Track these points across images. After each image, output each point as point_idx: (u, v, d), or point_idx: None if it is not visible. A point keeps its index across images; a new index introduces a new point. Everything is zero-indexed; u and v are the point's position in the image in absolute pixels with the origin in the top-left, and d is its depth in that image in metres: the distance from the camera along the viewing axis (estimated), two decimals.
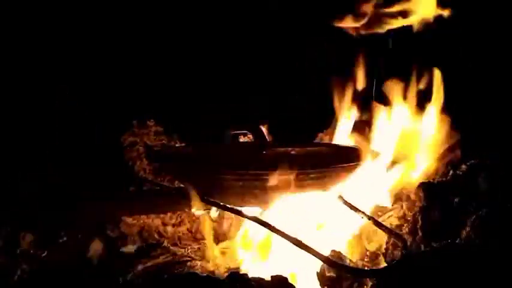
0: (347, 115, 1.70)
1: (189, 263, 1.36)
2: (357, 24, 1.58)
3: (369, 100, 1.69)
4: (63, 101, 1.99)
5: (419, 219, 1.18)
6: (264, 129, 1.76)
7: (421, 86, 1.55)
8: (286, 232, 1.12)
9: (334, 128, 1.73)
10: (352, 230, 1.37)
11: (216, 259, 1.35)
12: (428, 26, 1.55)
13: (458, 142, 1.47)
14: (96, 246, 1.33)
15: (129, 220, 1.49)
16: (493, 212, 1.07)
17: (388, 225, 1.32)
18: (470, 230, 1.07)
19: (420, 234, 1.17)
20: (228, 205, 1.26)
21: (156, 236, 1.51)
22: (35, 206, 1.37)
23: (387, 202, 1.45)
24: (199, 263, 1.36)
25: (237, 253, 1.34)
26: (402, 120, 1.57)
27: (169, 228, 1.54)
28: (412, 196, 1.30)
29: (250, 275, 1.04)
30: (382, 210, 1.45)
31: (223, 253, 1.38)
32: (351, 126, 1.69)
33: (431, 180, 1.36)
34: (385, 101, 1.61)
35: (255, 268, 1.23)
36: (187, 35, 2.25)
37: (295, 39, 2.25)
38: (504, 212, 1.07)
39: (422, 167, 1.48)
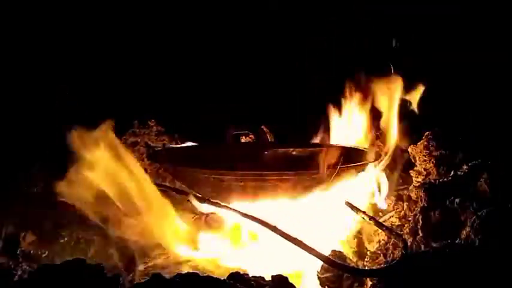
0: (339, 115, 1.73)
1: (189, 263, 1.35)
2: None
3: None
4: (63, 101, 1.99)
5: (419, 219, 1.18)
6: (265, 129, 1.76)
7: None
8: (286, 232, 1.12)
9: (327, 129, 1.76)
10: (352, 230, 1.37)
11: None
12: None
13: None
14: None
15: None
16: (493, 212, 1.07)
17: (389, 226, 1.32)
18: (470, 230, 1.07)
19: (421, 234, 1.17)
20: (228, 205, 1.27)
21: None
22: (36, 206, 1.37)
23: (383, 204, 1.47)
24: (199, 263, 1.36)
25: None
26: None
27: None
28: (413, 196, 1.30)
29: (250, 275, 1.03)
30: (383, 211, 1.46)
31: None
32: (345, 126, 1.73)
33: (432, 181, 1.36)
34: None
35: (255, 268, 1.23)
36: (188, 35, 2.26)
37: (295, 39, 2.26)
38: (504, 212, 1.07)
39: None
